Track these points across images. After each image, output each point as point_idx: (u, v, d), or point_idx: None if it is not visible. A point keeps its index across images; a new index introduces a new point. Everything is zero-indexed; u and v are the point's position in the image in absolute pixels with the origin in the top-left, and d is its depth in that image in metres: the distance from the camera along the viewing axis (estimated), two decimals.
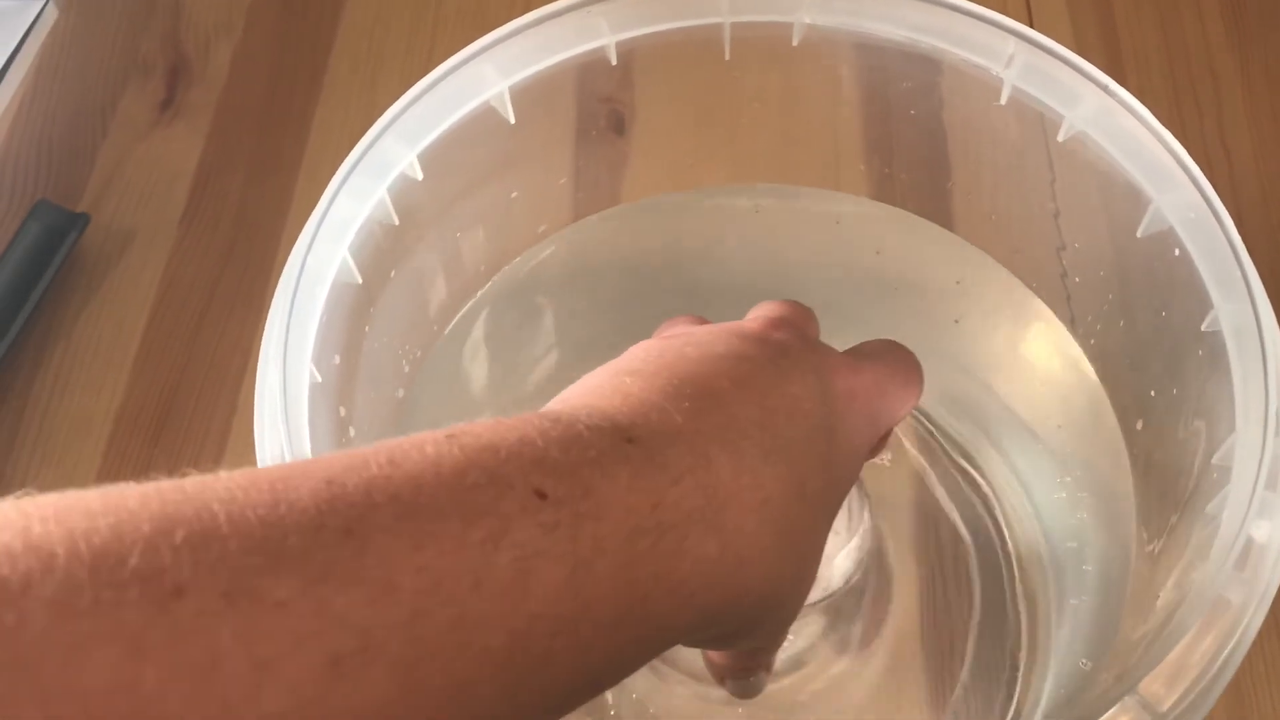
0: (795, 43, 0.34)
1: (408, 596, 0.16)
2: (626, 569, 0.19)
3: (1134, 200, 0.30)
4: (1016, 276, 0.38)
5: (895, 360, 0.28)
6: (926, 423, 0.42)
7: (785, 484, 0.22)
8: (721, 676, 0.30)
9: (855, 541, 0.34)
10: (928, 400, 0.43)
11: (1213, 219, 0.28)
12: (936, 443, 0.42)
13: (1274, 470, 0.26)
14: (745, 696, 0.31)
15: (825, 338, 0.34)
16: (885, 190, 0.41)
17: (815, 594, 0.34)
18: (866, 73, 0.37)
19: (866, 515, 0.35)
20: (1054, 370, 0.38)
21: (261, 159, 0.54)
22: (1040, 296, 0.38)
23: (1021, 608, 0.38)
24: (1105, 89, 0.30)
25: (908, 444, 0.42)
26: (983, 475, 0.41)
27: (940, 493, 0.41)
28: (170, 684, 0.14)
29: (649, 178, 0.45)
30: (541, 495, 0.18)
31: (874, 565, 0.38)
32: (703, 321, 0.29)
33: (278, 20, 0.58)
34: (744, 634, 0.24)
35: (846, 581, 0.35)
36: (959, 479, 0.41)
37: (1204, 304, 0.28)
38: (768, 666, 0.29)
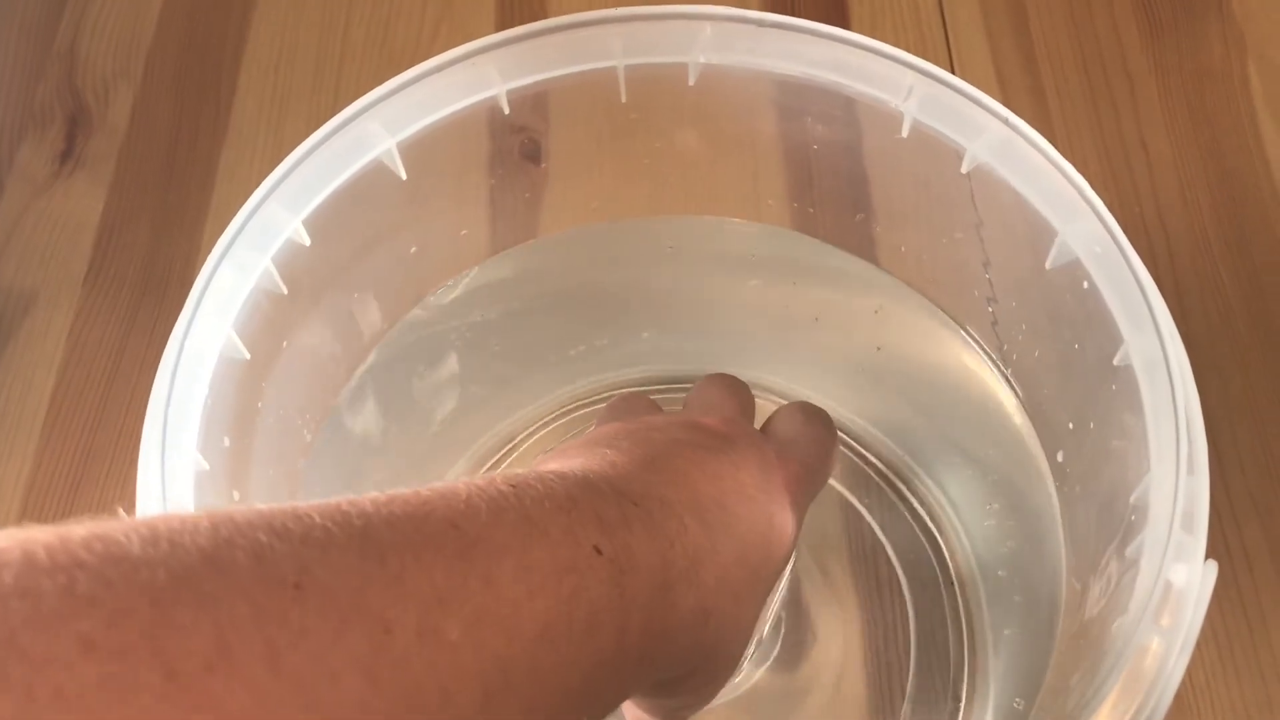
0: (692, 82, 0.33)
1: (528, 643, 0.18)
2: (647, 617, 0.21)
3: (1042, 231, 0.30)
4: (937, 304, 0.38)
5: (815, 437, 0.31)
6: (857, 448, 0.42)
7: (736, 554, 0.25)
8: None
9: (778, 595, 0.34)
10: (855, 427, 0.42)
11: (1117, 251, 0.28)
12: (869, 470, 0.42)
13: (1189, 510, 0.25)
14: None
15: (745, 369, 0.34)
16: (804, 221, 0.40)
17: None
18: (776, 107, 0.36)
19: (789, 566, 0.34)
20: (979, 398, 0.38)
21: (167, 209, 0.52)
22: (962, 324, 0.37)
23: (964, 636, 0.38)
24: (1005, 121, 0.30)
25: (837, 474, 0.42)
26: (914, 501, 0.41)
27: (872, 521, 0.41)
28: (401, 712, 0.16)
29: (566, 210, 0.44)
30: (599, 552, 0.20)
31: (793, 608, 0.38)
32: (655, 405, 0.33)
33: (178, 63, 0.56)
34: (687, 679, 0.25)
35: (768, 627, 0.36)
36: (891, 505, 0.41)
37: (1115, 338, 0.28)
38: None
